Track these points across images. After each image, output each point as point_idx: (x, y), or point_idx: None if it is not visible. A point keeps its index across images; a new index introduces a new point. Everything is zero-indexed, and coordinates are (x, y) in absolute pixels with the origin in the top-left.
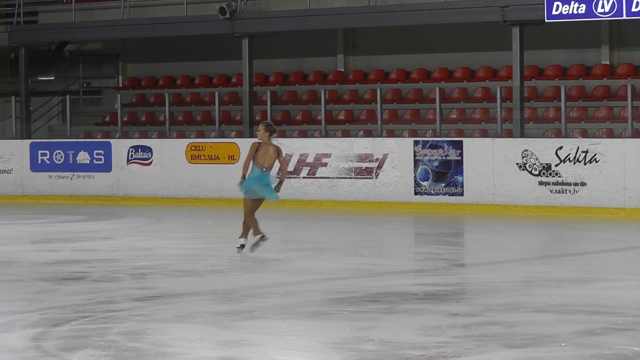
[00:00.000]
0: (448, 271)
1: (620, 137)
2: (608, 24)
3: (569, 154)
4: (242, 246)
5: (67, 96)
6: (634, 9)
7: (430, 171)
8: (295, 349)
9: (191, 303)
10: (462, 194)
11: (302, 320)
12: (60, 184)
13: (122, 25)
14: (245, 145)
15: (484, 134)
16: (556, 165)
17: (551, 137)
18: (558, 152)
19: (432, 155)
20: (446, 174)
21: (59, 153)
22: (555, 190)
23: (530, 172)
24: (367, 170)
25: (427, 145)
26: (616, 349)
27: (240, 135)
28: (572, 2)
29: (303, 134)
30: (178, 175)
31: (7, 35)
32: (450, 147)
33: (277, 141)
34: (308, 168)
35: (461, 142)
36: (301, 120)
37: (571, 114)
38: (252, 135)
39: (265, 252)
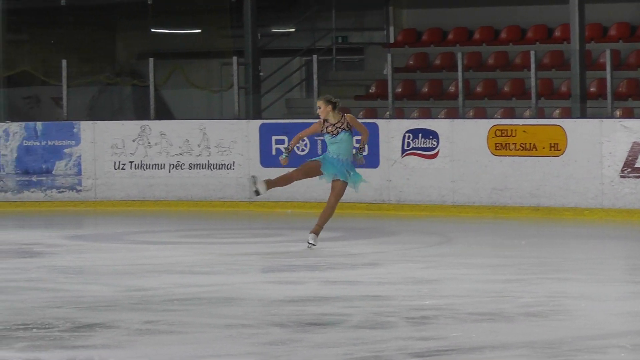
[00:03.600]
0: None
1: None
2: None
3: None
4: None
5: (314, 57)
6: None
7: None
8: None
9: None
10: None
11: None
12: (304, 185)
13: None
14: (574, 128)
15: None
16: None
17: None
18: None
19: None
20: None
21: (303, 140)
22: None
23: None
24: None
25: None
26: None
27: (567, 114)
28: None
29: None
30: (476, 173)
31: None
32: None
33: None
34: None
35: None
36: None
37: None
38: (582, 115)
39: (610, 283)
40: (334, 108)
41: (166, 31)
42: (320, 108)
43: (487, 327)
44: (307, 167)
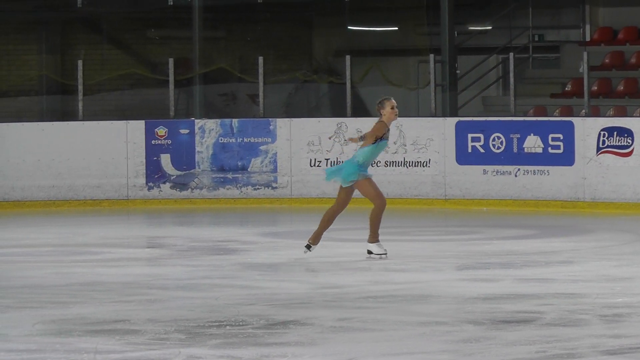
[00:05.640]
0: None
1: None
2: None
3: None
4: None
5: (510, 55)
6: None
7: None
8: None
9: None
10: None
11: None
12: (499, 182)
13: None
14: None
15: None
16: None
17: None
18: None
19: None
20: None
21: (498, 137)
22: None
23: None
24: None
25: None
26: None
27: None
28: None
29: None
30: None
31: None
32: None
33: None
34: None
35: None
36: None
37: None
38: None
39: None
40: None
41: (363, 28)
42: (393, 108)
43: None
44: (342, 199)
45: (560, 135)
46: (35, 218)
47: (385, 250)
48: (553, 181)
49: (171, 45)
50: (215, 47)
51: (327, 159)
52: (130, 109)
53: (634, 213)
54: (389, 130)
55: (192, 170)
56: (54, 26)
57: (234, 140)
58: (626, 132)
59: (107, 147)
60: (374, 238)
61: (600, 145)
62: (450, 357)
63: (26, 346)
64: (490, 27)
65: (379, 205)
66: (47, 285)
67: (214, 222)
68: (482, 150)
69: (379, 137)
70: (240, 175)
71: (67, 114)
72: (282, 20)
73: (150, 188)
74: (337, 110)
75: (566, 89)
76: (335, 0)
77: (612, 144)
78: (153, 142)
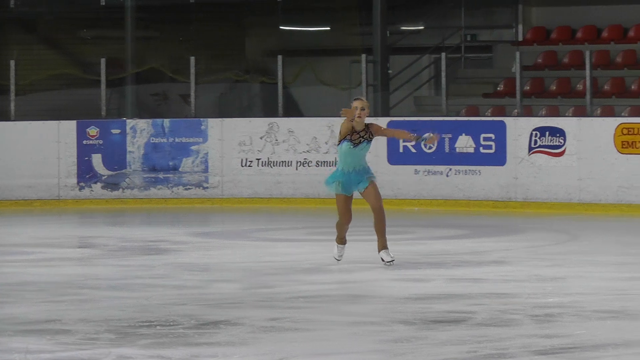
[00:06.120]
0: None
1: None
2: None
3: None
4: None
5: (443, 54)
6: None
7: None
8: None
9: (618, 359)
10: None
11: None
12: (431, 182)
13: None
14: None
15: None
16: None
17: None
18: None
19: None
20: None
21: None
22: None
23: None
24: None
25: None
26: None
27: None
28: None
29: None
30: (603, 171)
31: None
32: None
33: None
34: None
35: None
36: None
37: None
38: None
39: None
40: None
41: (295, 28)
42: (364, 110)
43: (612, 325)
44: (347, 207)
45: (492, 135)
46: None
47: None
48: (485, 181)
49: (104, 45)
50: (147, 47)
51: (258, 159)
52: (62, 109)
53: (566, 213)
54: (362, 132)
55: (123, 170)
56: None
57: (165, 140)
58: (558, 132)
59: (38, 147)
60: (384, 244)
61: (532, 145)
62: (381, 357)
63: None
64: (422, 27)
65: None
66: None
67: (146, 222)
68: (413, 150)
69: (345, 138)
70: (171, 175)
71: None
72: (214, 20)
73: (81, 188)
74: (269, 111)
75: (498, 88)
76: (268, 0)
77: (544, 143)
78: (85, 142)
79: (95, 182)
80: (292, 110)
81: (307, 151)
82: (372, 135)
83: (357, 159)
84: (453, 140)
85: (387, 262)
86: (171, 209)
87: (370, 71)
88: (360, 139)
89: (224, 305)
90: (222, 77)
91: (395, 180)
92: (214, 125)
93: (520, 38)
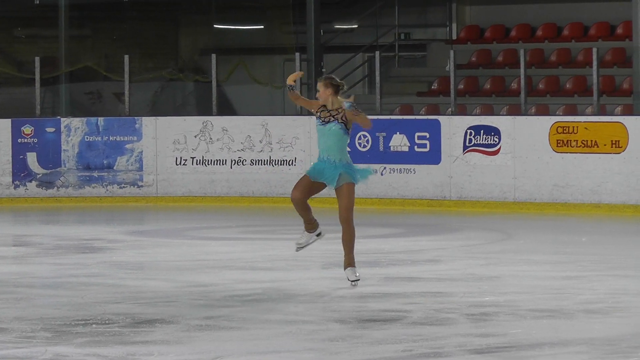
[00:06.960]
0: None
1: None
2: None
3: None
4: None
5: (376, 53)
6: None
7: None
8: None
9: (555, 358)
10: None
11: None
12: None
13: None
14: (635, 125)
15: None
16: None
17: None
18: None
19: None
20: None
21: (364, 136)
22: None
23: None
24: None
25: None
26: None
27: (629, 111)
28: None
29: None
30: (537, 170)
31: None
32: None
33: None
34: None
35: None
36: None
37: None
38: None
39: None
40: (335, 92)
41: (229, 27)
42: (319, 91)
43: (547, 323)
44: (303, 185)
45: (427, 134)
46: None
47: (359, 276)
48: (419, 180)
49: (38, 43)
50: (81, 45)
51: (192, 157)
52: None
53: (501, 212)
54: (333, 111)
55: (58, 169)
56: None
57: (99, 138)
58: (493, 131)
59: None
60: (350, 261)
61: (467, 144)
62: (316, 355)
63: None
64: (356, 26)
65: (352, 222)
66: None
67: (80, 220)
68: (348, 149)
69: (316, 116)
70: (106, 173)
71: None
72: (148, 18)
73: (16, 186)
74: (203, 109)
75: (432, 87)
76: None
77: (478, 142)
78: (19, 140)
79: (30, 181)
80: (226, 108)
81: (242, 150)
82: (345, 118)
83: (329, 143)
84: (387, 139)
85: (352, 281)
86: (105, 208)
87: (304, 70)
88: (330, 117)
89: (159, 303)
90: (156, 76)
91: None
92: (148, 124)
93: (454, 37)
